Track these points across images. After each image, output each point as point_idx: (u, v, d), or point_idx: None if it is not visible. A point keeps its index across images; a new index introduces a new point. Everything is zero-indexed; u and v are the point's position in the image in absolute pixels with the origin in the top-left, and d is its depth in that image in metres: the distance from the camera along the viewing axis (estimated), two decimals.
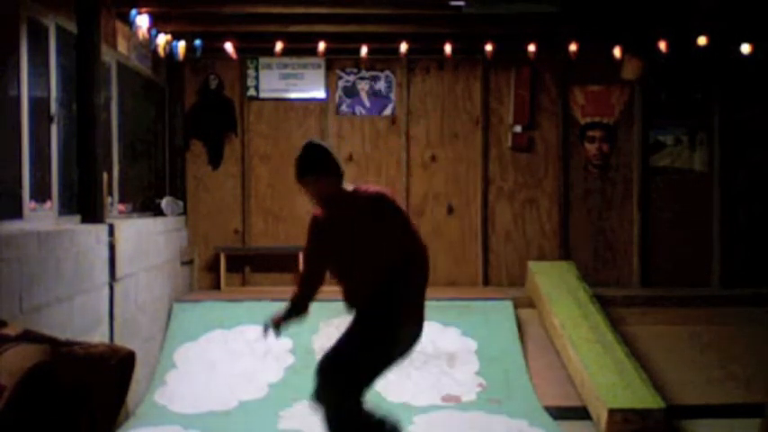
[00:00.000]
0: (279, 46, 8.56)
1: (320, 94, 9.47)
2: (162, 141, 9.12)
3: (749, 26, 8.23)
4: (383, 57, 9.26)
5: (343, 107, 9.54)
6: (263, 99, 9.48)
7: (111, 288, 6.32)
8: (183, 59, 8.57)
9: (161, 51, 8.14)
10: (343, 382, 4.50)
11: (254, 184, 9.49)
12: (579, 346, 7.45)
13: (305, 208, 9.49)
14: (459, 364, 7.57)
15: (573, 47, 8.51)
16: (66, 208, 6.19)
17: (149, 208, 8.46)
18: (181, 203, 9.19)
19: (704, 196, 9.55)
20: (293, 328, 5.20)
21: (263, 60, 9.38)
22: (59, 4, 6.14)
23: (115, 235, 6.38)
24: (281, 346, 7.41)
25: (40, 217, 5.69)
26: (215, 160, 9.45)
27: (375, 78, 9.52)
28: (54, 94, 5.97)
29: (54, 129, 5.98)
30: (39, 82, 5.74)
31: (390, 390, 6.92)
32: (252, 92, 9.45)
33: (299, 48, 8.87)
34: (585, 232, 9.56)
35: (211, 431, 6.51)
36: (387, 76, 9.53)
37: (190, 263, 9.21)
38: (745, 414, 6.82)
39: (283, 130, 9.51)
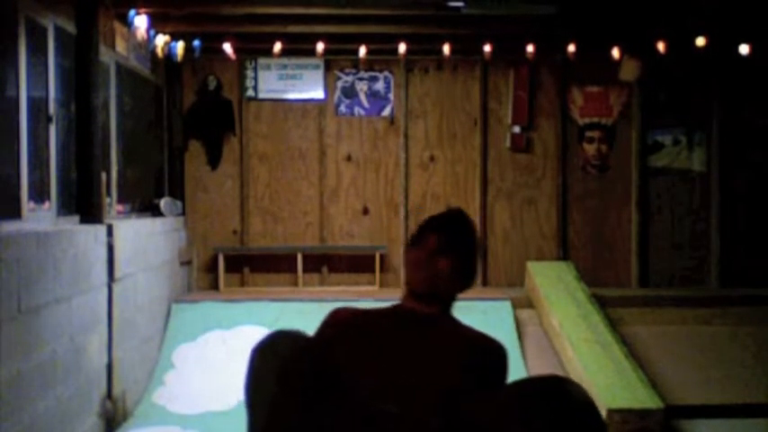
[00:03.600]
0: (278, 46, 8.55)
1: (319, 94, 9.47)
2: (160, 142, 9.12)
3: (748, 26, 8.23)
4: (382, 57, 9.25)
5: (342, 108, 9.53)
6: (262, 100, 9.48)
7: (110, 288, 6.32)
8: (182, 60, 8.56)
9: (159, 52, 8.14)
10: None
11: (252, 185, 9.49)
12: (578, 346, 7.45)
13: (303, 208, 9.51)
14: None
15: (571, 47, 8.51)
16: (64, 208, 6.18)
17: (148, 208, 8.46)
18: (179, 204, 9.18)
19: (703, 196, 9.55)
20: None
21: (261, 61, 9.37)
22: (58, 4, 6.14)
23: (114, 235, 6.38)
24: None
25: (39, 217, 5.68)
26: (214, 161, 9.44)
27: (374, 79, 9.52)
28: (52, 94, 5.97)
29: (52, 129, 5.97)
30: (37, 82, 5.73)
31: None
32: (250, 92, 9.44)
33: (298, 48, 8.86)
34: (584, 232, 9.56)
35: (210, 431, 6.51)
36: (385, 77, 9.53)
37: (188, 263, 9.21)
38: (745, 414, 6.84)
39: (282, 130, 9.51)
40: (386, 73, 9.52)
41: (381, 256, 9.39)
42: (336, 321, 2.81)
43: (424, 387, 2.60)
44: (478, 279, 9.38)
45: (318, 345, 2.71)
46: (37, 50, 5.72)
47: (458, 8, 7.37)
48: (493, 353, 2.77)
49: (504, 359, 2.79)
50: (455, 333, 2.77)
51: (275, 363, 2.64)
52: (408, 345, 2.69)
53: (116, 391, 6.43)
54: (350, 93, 9.53)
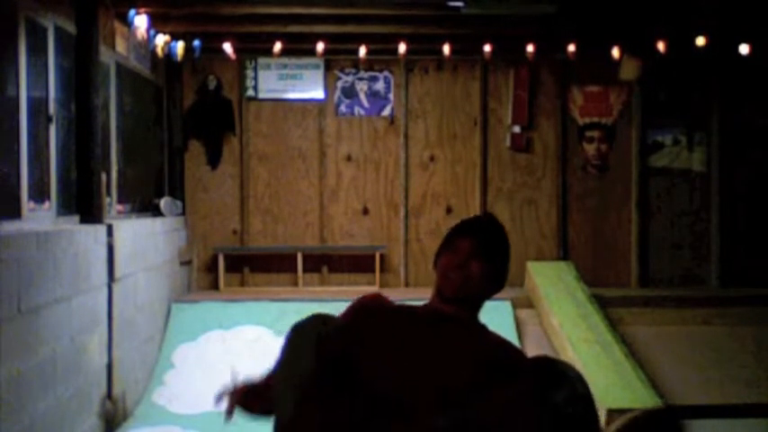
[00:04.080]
0: (278, 46, 8.55)
1: (319, 94, 9.47)
2: (160, 142, 9.12)
3: (748, 26, 8.23)
4: (382, 57, 9.25)
5: (342, 107, 9.53)
6: (262, 99, 9.47)
7: (110, 288, 6.32)
8: (182, 60, 8.56)
9: (159, 52, 8.13)
10: None
11: (252, 185, 9.48)
12: (578, 346, 7.45)
13: (303, 208, 9.50)
14: None
15: (571, 47, 8.51)
16: (64, 208, 6.18)
17: (148, 208, 8.46)
18: (179, 204, 9.18)
19: (703, 196, 9.55)
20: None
21: (261, 61, 9.37)
22: (58, 4, 6.14)
23: (114, 235, 6.38)
24: (280, 346, 7.42)
25: (39, 217, 5.68)
26: (214, 160, 9.44)
27: (374, 79, 9.52)
28: (53, 94, 5.97)
29: (53, 129, 5.97)
30: (37, 82, 5.73)
31: None
32: (250, 92, 9.44)
33: (298, 48, 8.86)
34: (584, 232, 9.56)
35: (210, 431, 6.51)
36: (385, 77, 9.53)
37: (188, 263, 9.21)
38: (744, 414, 6.83)
39: (282, 130, 9.51)
40: (386, 73, 9.52)
41: (381, 256, 9.38)
42: (363, 308, 2.79)
43: (435, 386, 2.59)
44: None
45: (337, 334, 2.71)
46: (37, 50, 5.72)
47: (457, 8, 7.37)
48: (512, 359, 2.74)
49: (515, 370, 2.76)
50: (477, 336, 2.75)
51: (307, 343, 2.65)
52: (426, 344, 2.68)
53: (116, 391, 6.43)
54: (350, 93, 9.52)
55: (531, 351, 7.89)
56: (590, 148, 9.58)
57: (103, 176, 6.67)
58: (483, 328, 2.78)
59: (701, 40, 8.26)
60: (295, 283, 9.29)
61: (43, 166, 5.85)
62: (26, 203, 5.50)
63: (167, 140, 9.26)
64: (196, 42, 8.43)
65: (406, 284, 9.45)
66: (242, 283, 9.42)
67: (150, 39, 7.91)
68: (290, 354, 2.76)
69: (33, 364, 4.86)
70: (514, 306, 8.36)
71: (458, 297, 2.73)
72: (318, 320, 2.78)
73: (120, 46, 7.53)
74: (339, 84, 9.52)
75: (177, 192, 9.31)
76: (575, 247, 9.53)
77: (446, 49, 8.68)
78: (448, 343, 2.68)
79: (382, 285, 9.29)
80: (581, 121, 9.59)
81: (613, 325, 8.02)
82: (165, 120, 9.22)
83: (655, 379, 7.20)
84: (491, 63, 9.29)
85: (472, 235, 2.76)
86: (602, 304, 8.36)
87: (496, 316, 8.22)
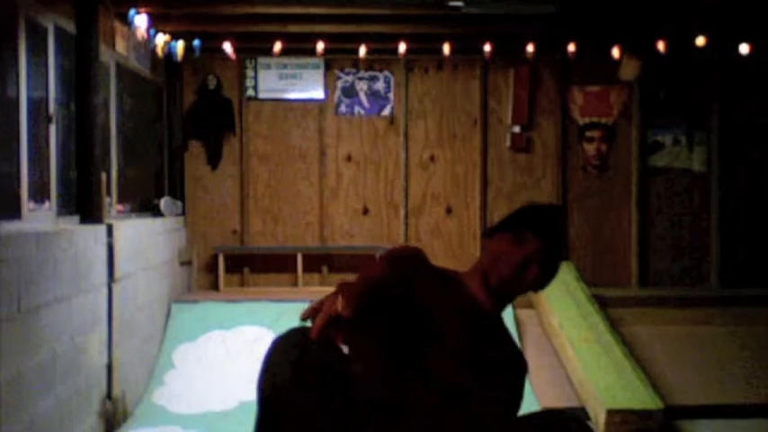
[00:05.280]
0: (278, 46, 8.55)
1: (319, 94, 9.47)
2: (160, 141, 9.12)
3: (749, 26, 8.23)
4: (382, 57, 9.25)
5: (342, 107, 9.53)
6: (262, 99, 9.47)
7: (110, 288, 6.32)
8: (182, 59, 8.55)
9: (159, 51, 8.13)
10: None
11: (252, 185, 9.48)
12: (578, 347, 7.45)
13: (303, 208, 9.50)
14: None
15: (571, 47, 8.51)
16: (64, 208, 6.18)
17: (148, 208, 8.46)
18: (179, 204, 9.18)
19: (703, 196, 9.55)
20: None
21: (261, 60, 9.37)
22: (58, 4, 6.14)
23: (114, 235, 6.38)
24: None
25: (39, 217, 5.68)
26: (213, 160, 9.44)
27: (374, 78, 9.52)
28: (53, 94, 5.97)
29: (52, 129, 5.97)
30: (37, 82, 5.73)
31: None
32: (250, 92, 9.44)
33: (298, 48, 8.86)
34: (584, 232, 9.56)
35: (210, 431, 6.51)
36: (385, 77, 9.52)
37: (188, 263, 9.21)
38: (745, 415, 6.84)
39: (282, 130, 9.51)
40: (386, 72, 9.52)
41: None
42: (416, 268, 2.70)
43: (441, 390, 2.55)
44: None
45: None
46: (37, 50, 5.72)
47: (457, 7, 7.36)
48: (523, 369, 2.73)
49: (524, 379, 2.75)
50: (505, 339, 2.73)
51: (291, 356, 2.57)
52: (468, 342, 2.62)
53: (116, 391, 6.43)
54: (350, 92, 9.52)
55: (531, 351, 7.90)
56: (590, 148, 9.58)
57: (103, 176, 6.67)
58: (506, 331, 2.74)
59: (700, 40, 8.24)
60: (295, 284, 9.29)
61: (43, 166, 5.85)
62: (26, 203, 5.50)
63: (167, 140, 9.26)
64: (196, 42, 8.42)
65: None
66: (242, 284, 9.42)
67: (150, 38, 7.90)
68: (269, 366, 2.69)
69: (33, 364, 4.86)
70: (514, 306, 8.35)
71: (500, 291, 2.68)
72: (298, 335, 2.71)
73: (120, 46, 7.52)
74: (339, 83, 9.52)
75: (177, 192, 9.31)
76: (575, 247, 9.52)
77: (446, 48, 8.67)
78: (474, 348, 2.62)
79: None
80: (581, 120, 9.59)
81: (613, 325, 8.02)
82: (165, 119, 9.22)
83: (655, 379, 7.21)
84: (491, 62, 9.28)
85: (543, 236, 2.66)
86: (603, 304, 8.36)
87: None
